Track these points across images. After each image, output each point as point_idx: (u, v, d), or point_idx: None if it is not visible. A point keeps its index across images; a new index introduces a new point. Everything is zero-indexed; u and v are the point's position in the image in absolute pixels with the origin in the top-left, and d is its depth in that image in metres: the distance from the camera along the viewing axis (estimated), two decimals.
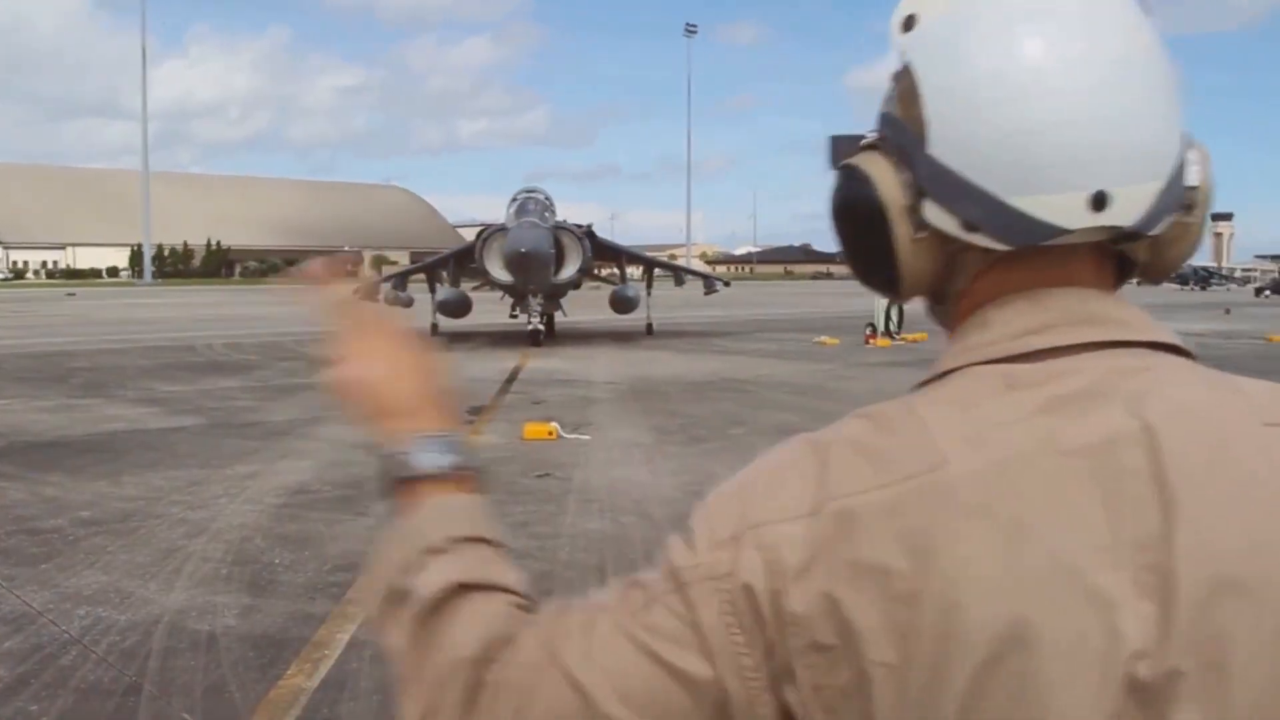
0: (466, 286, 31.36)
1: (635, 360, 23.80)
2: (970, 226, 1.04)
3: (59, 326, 36.72)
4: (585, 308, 33.44)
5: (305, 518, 8.96)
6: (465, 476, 1.17)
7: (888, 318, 29.50)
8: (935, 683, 0.91)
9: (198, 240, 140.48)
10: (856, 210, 1.10)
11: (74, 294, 76.80)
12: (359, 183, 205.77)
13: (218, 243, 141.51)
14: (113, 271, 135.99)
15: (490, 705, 1.01)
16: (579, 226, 29.56)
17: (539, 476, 10.73)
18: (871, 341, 28.49)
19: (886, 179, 1.08)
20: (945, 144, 1.04)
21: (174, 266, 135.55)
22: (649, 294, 33.12)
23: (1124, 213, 1.02)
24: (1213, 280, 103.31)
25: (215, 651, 5.92)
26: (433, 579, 1.07)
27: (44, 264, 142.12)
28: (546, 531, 8.56)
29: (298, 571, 7.43)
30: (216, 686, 5.45)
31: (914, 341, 28.97)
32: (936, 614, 0.91)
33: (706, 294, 36.89)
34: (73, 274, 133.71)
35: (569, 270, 28.01)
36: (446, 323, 30.29)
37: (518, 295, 28.47)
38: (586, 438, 13.09)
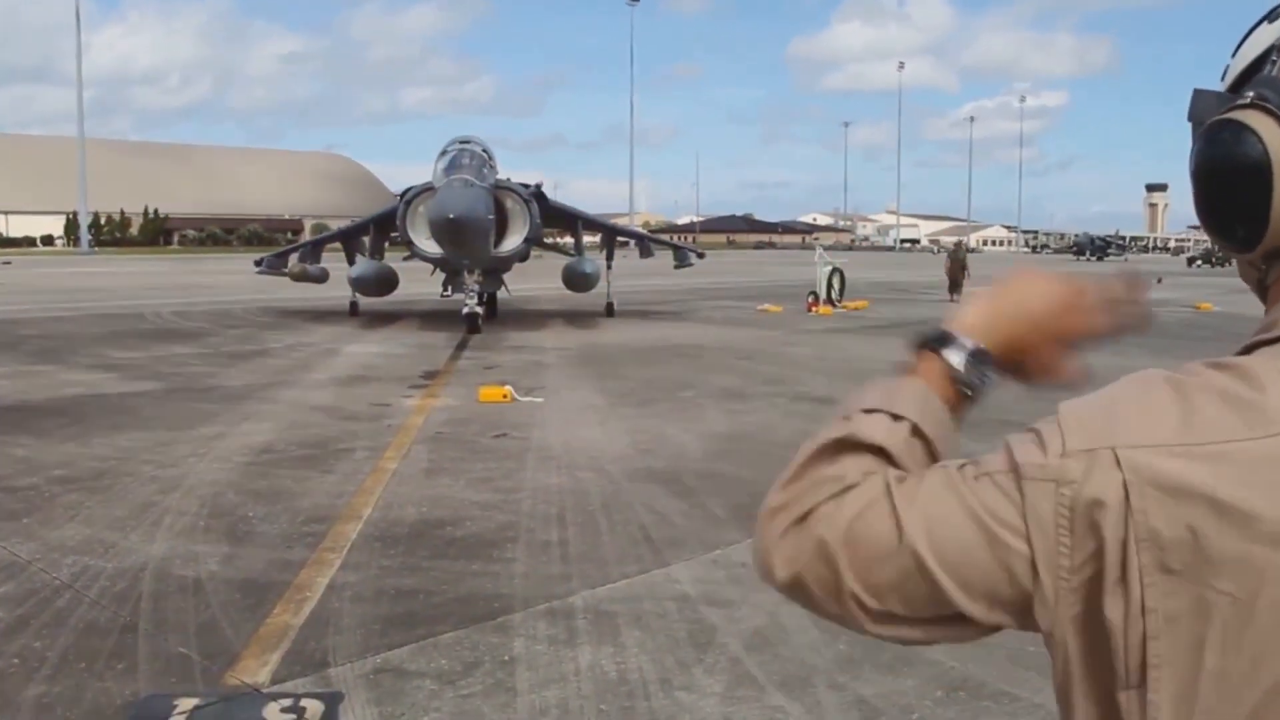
0: (394, 258, 27.08)
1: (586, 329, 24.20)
2: None
3: (1, 294, 36.33)
4: (534, 276, 30.28)
5: (274, 474, 9.29)
6: (957, 383, 1.22)
7: (829, 286, 30.07)
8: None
9: (135, 209, 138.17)
10: (1236, 163, 1.14)
11: (10, 262, 75.45)
12: (298, 150, 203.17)
13: (155, 211, 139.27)
14: (47, 240, 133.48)
15: (833, 513, 1.11)
16: (526, 187, 24.61)
17: (497, 436, 11.12)
18: (814, 309, 29.04)
19: (1273, 136, 1.12)
20: None
21: (111, 235, 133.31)
22: (610, 267, 28.04)
23: None
24: (1110, 250, 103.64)
25: (203, 594, 6.28)
26: (866, 428, 1.16)
27: None
28: (509, 485, 8.97)
29: (272, 523, 7.78)
30: (209, 624, 5.82)
31: (855, 309, 29.62)
32: None
33: (678, 267, 31.87)
34: (6, 242, 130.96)
35: (513, 240, 23.25)
36: (372, 300, 26.49)
37: (450, 270, 23.98)
38: (540, 400, 13.49)
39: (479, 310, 22.43)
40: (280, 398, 13.64)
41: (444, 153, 22.81)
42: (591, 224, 30.26)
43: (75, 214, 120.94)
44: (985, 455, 1.10)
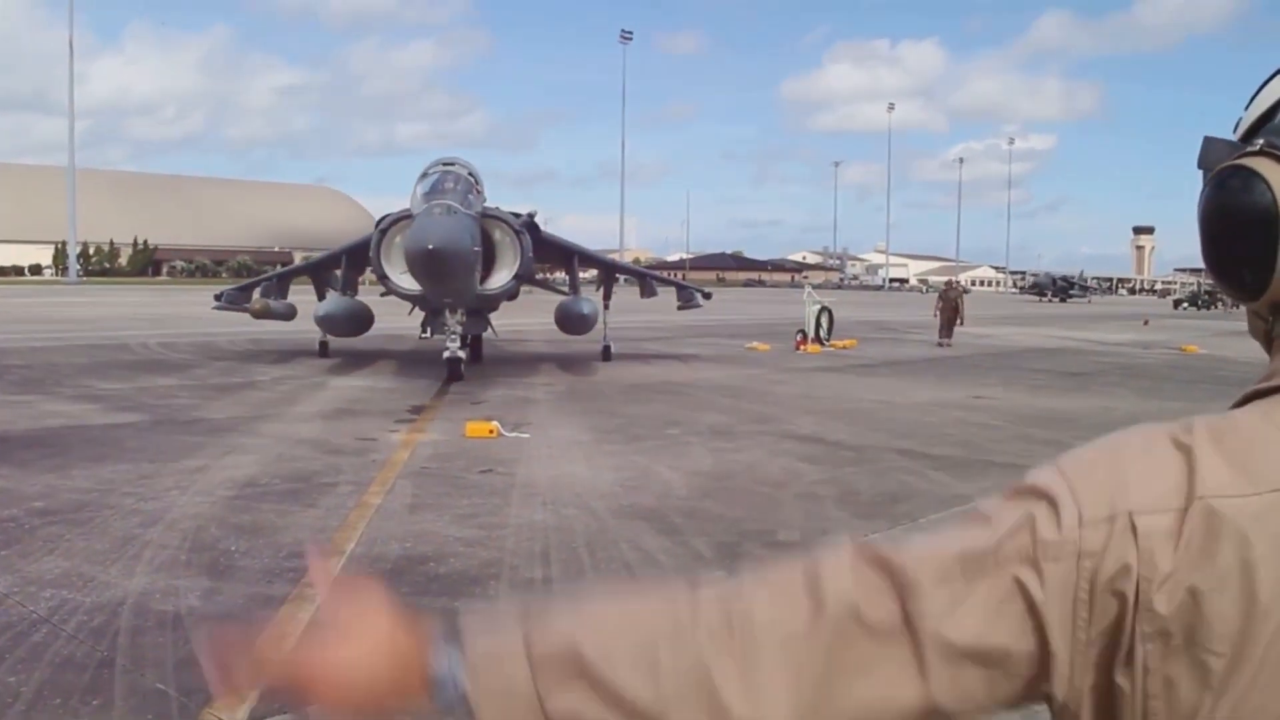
0: (374, 292, 23.18)
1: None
2: None
3: None
4: (522, 310, 28.21)
5: (256, 509, 9.22)
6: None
7: (818, 325, 30.13)
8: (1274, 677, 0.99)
9: (124, 239, 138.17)
10: (1244, 211, 1.13)
11: None
12: (289, 183, 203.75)
13: (144, 242, 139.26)
14: (35, 269, 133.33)
15: None
16: (517, 216, 21.66)
17: (483, 472, 11.06)
18: (802, 348, 29.10)
19: None
20: None
21: (99, 265, 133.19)
22: (607, 307, 25.70)
23: None
24: (1072, 291, 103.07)
25: (182, 629, 6.20)
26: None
27: None
28: (494, 522, 8.91)
29: (254, 558, 7.71)
30: (187, 660, 5.73)
31: (843, 348, 29.64)
32: None
33: (682, 308, 28.62)
34: None
35: (502, 276, 20.52)
36: (348, 340, 24.26)
37: (430, 309, 21.38)
38: (527, 436, 13.45)
39: (461, 355, 19.92)
40: (265, 431, 13.56)
41: (424, 175, 20.02)
42: (589, 259, 27.81)
43: (64, 244, 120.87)
44: (999, 513, 1.09)
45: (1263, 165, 1.13)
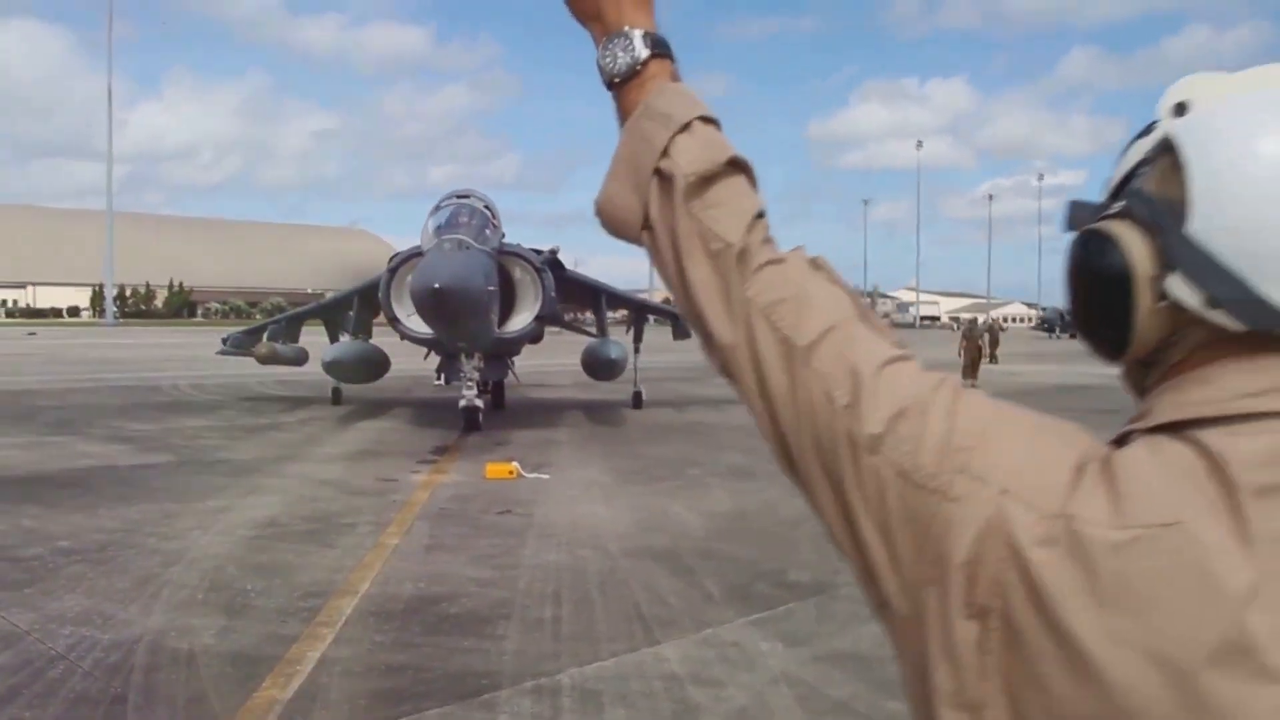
0: (390, 336, 20.71)
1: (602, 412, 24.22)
2: (1213, 304, 1.10)
3: (23, 365, 36.73)
4: (547, 350, 28.13)
5: (275, 549, 9.36)
6: (665, 63, 1.34)
7: None
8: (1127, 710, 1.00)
9: (160, 281, 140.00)
10: (1102, 274, 1.16)
11: (35, 333, 76.43)
12: (322, 225, 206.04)
13: (180, 284, 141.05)
14: (73, 311, 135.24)
15: (756, 284, 1.22)
16: (538, 253, 20.16)
17: (500, 513, 11.17)
18: None
19: (1137, 248, 1.14)
20: (1203, 226, 1.10)
21: (136, 307, 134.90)
22: (637, 350, 24.06)
23: None
24: None
25: (195, 667, 6.33)
26: (693, 158, 1.26)
27: (3, 302, 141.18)
28: (508, 563, 9.01)
29: (270, 597, 7.84)
30: (197, 697, 5.87)
31: None
32: (1136, 663, 0.99)
33: None
34: (33, 313, 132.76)
35: (522, 317, 19.03)
36: (362, 386, 23.00)
37: (445, 354, 20.07)
38: (546, 477, 13.55)
39: (479, 404, 18.45)
40: (288, 471, 13.75)
41: (437, 208, 18.70)
42: (617, 299, 25.49)
43: (101, 286, 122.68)
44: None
45: (1118, 229, 1.16)
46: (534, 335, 20.95)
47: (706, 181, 1.25)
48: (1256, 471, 1.04)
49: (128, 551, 9.16)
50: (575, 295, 24.26)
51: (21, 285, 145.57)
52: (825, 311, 1.22)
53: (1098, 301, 1.18)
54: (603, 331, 24.14)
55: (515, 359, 22.17)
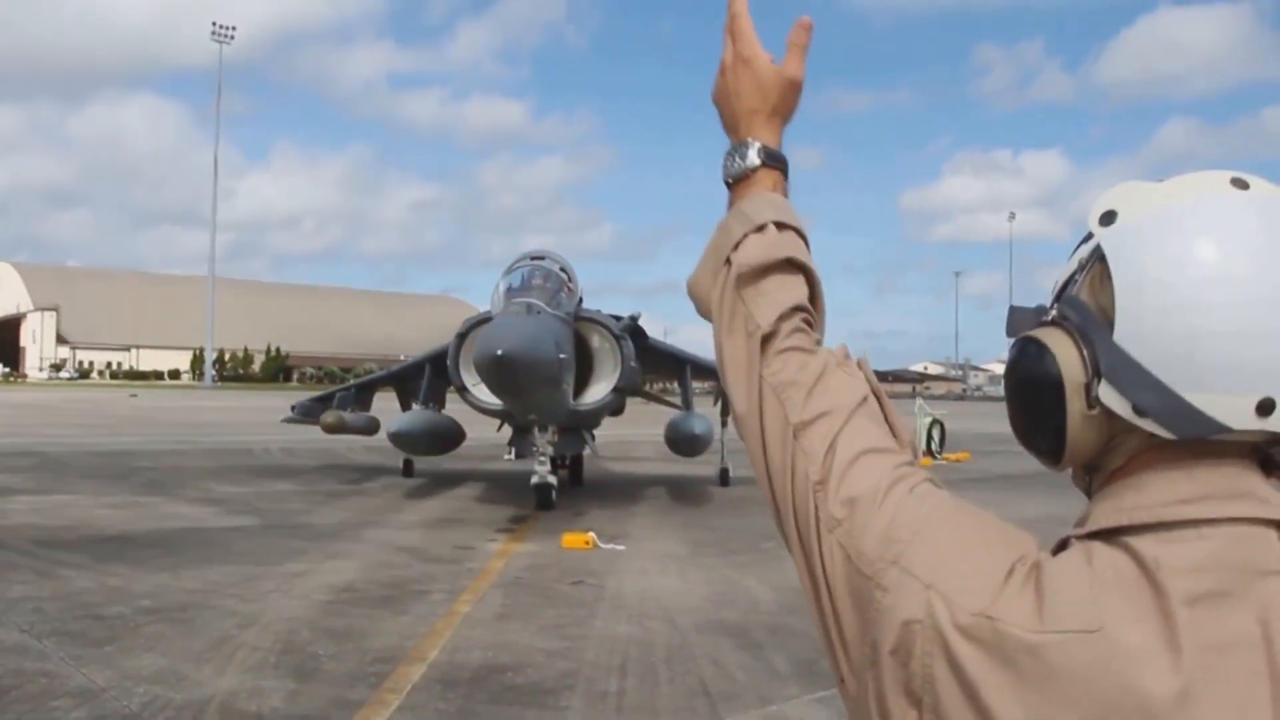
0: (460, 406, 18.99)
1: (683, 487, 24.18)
2: (1141, 412, 1.12)
3: (123, 426, 37.85)
4: (628, 420, 26.33)
5: (350, 614, 9.50)
6: (774, 173, 1.49)
7: (929, 437, 29.77)
8: None
9: (258, 346, 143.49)
10: (1035, 381, 1.19)
11: (136, 395, 78.72)
12: (414, 293, 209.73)
13: (277, 349, 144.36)
14: (174, 374, 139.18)
15: (774, 364, 1.34)
16: (618, 319, 18.71)
17: (574, 583, 11.20)
18: None
19: (1068, 356, 1.16)
20: (1131, 334, 1.13)
21: (234, 370, 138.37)
22: (725, 424, 20.96)
23: None
24: None
25: None
26: (753, 253, 1.40)
27: (109, 365, 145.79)
28: (576, 633, 9.02)
29: (340, 662, 7.95)
30: None
31: (956, 461, 29.20)
32: None
33: None
34: (135, 375, 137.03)
35: (600, 388, 17.70)
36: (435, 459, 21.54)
37: (516, 427, 18.64)
38: (622, 548, 13.56)
39: (552, 481, 16.95)
40: (368, 537, 13.95)
41: (509, 270, 17.30)
42: (703, 370, 22.99)
43: (201, 350, 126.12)
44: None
45: (1051, 336, 1.19)
46: (613, 407, 19.80)
47: (760, 274, 1.39)
48: (1187, 579, 1.06)
49: (206, 612, 9.37)
50: (659, 365, 22.97)
51: (126, 348, 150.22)
52: (830, 398, 1.30)
53: (1032, 408, 1.20)
54: (687, 404, 22.39)
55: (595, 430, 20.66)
